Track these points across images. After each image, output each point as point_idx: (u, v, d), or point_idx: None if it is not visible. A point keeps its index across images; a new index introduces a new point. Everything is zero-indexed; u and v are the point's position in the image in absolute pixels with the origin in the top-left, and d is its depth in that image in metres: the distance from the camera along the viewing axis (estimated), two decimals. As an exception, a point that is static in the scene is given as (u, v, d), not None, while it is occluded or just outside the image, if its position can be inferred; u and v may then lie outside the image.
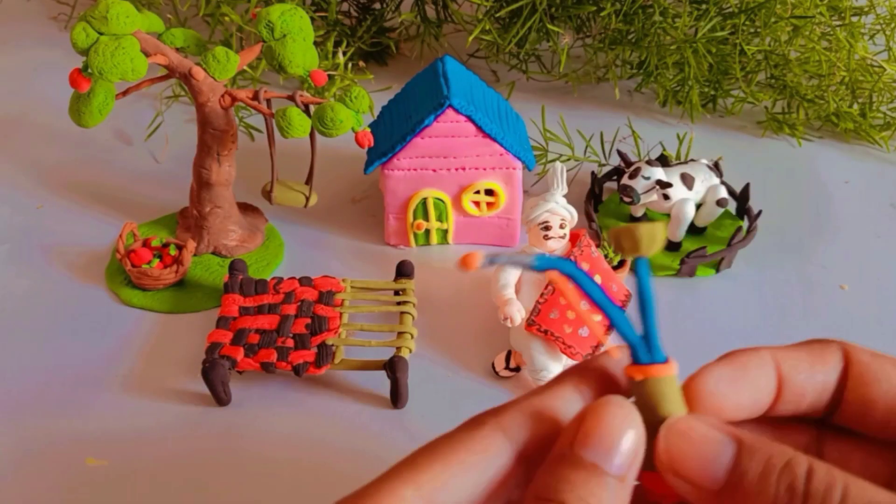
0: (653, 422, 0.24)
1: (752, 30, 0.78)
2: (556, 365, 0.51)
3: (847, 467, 0.24)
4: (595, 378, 0.26)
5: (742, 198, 0.66)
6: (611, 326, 0.49)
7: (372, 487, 0.23)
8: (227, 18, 0.79)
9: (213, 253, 0.62)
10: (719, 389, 0.25)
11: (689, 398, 0.25)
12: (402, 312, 0.54)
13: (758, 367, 0.26)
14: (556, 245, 0.54)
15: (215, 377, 0.49)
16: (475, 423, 0.24)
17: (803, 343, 0.27)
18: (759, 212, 0.64)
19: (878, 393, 0.26)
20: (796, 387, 0.26)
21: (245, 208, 0.65)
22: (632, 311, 0.26)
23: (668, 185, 0.61)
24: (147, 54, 0.51)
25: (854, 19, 0.77)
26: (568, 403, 0.25)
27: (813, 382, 0.26)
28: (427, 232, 0.63)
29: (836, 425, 0.27)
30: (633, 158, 0.68)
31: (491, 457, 0.23)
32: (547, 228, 0.54)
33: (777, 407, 0.26)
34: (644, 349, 0.25)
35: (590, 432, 0.23)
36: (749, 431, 0.28)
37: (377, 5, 0.89)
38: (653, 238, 0.24)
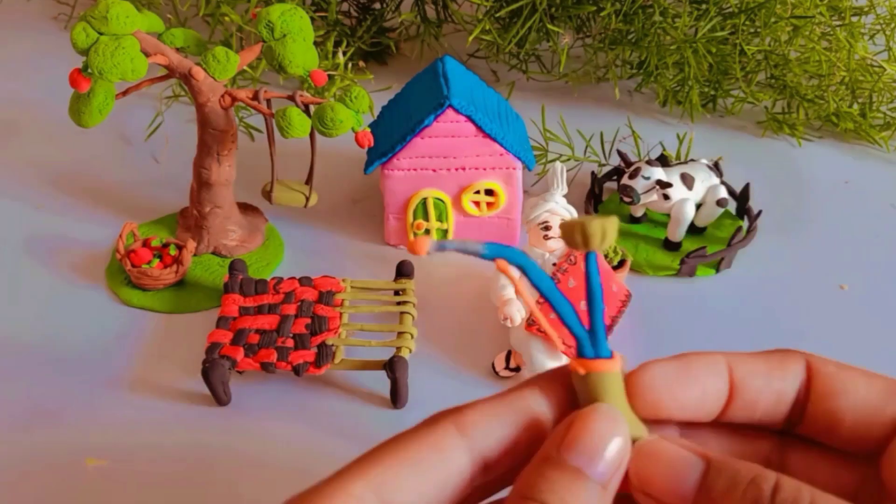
0: None
1: (752, 30, 0.78)
2: (556, 365, 0.51)
3: (812, 479, 0.24)
4: (565, 384, 0.25)
5: (742, 198, 0.66)
6: (611, 328, 0.49)
7: (324, 484, 0.23)
8: (227, 18, 0.79)
9: (213, 253, 0.62)
10: (658, 384, 0.25)
11: (629, 392, 0.25)
12: (402, 312, 0.54)
13: (706, 370, 0.26)
14: (556, 245, 0.54)
15: (215, 377, 0.49)
16: (432, 422, 0.24)
17: (764, 351, 0.27)
18: (759, 212, 0.64)
19: (844, 405, 0.25)
20: (750, 393, 0.26)
21: (245, 208, 0.65)
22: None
23: (668, 185, 0.61)
24: (147, 54, 0.51)
25: (854, 19, 0.77)
26: (534, 408, 0.25)
27: (769, 390, 0.26)
28: (427, 232, 0.63)
29: (802, 436, 0.27)
30: (633, 158, 0.68)
31: (446, 457, 0.23)
32: (547, 228, 0.54)
33: (730, 412, 0.26)
34: (590, 344, 0.25)
35: (577, 437, 0.23)
36: (714, 437, 0.27)
37: (377, 5, 0.89)
38: (604, 233, 0.24)
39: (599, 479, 0.23)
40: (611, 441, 0.23)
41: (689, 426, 0.27)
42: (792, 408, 0.26)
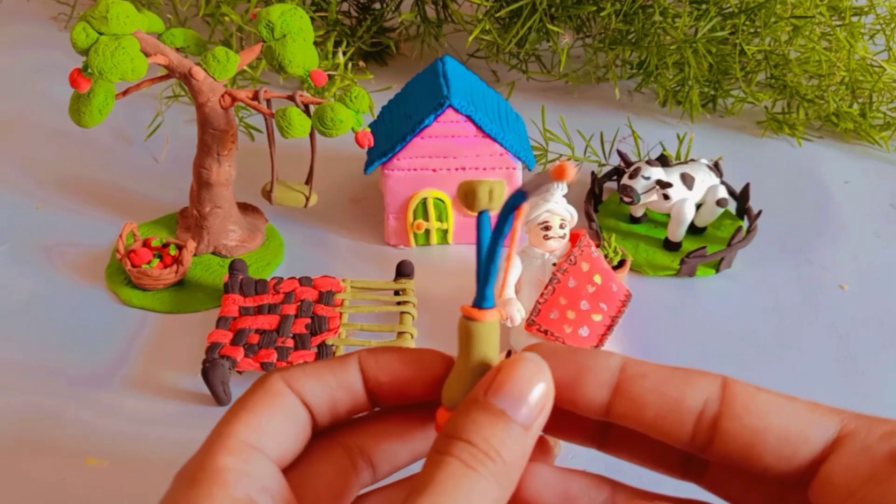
0: (468, 361, 0.26)
1: (752, 30, 0.78)
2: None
3: (725, 497, 0.26)
4: (381, 358, 0.28)
5: (742, 198, 0.66)
6: (611, 328, 0.49)
7: (208, 441, 0.27)
8: (227, 18, 0.79)
9: (213, 253, 0.62)
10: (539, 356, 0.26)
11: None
12: (401, 312, 0.54)
13: (592, 357, 0.26)
14: (556, 245, 0.54)
15: (215, 377, 0.49)
16: (262, 381, 0.28)
17: (682, 368, 0.26)
18: (759, 212, 0.64)
19: (762, 425, 0.24)
20: (634, 389, 0.25)
21: (245, 208, 0.65)
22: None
23: (668, 185, 0.61)
24: (147, 54, 0.51)
25: (854, 19, 0.77)
26: (350, 372, 0.28)
27: (658, 392, 0.25)
28: (427, 232, 0.63)
29: (718, 459, 0.26)
30: (633, 158, 0.68)
31: (284, 403, 0.27)
32: (547, 228, 0.54)
33: (617, 408, 0.26)
34: (480, 294, 0.27)
35: (502, 382, 0.24)
36: (628, 444, 0.28)
37: (377, 5, 0.89)
38: (491, 194, 0.25)
39: (522, 421, 0.24)
40: (534, 387, 0.24)
41: (600, 432, 0.28)
42: (700, 424, 0.25)
